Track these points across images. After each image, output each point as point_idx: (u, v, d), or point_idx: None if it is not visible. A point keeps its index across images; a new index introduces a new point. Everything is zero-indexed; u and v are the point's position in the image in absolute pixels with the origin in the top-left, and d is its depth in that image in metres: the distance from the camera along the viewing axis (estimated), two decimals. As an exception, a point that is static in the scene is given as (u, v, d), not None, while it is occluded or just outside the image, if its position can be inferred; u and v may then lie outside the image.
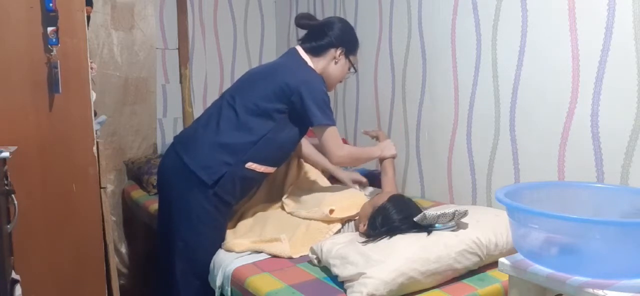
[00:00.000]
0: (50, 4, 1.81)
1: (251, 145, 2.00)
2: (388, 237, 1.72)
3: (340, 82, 2.27)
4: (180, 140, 2.14)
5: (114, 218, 2.94)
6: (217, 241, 2.01)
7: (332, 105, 3.13)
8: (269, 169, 2.10)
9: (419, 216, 1.73)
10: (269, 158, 2.06)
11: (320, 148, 2.18)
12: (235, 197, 2.07)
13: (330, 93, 3.09)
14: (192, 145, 2.05)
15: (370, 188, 2.42)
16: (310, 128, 2.10)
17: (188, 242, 2.00)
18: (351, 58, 2.19)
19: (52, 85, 1.86)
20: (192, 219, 1.99)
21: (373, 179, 2.61)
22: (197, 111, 3.28)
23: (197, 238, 2.00)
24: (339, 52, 2.14)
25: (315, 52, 2.14)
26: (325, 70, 2.14)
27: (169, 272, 2.04)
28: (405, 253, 1.59)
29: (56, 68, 1.84)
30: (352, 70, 2.23)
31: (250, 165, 2.01)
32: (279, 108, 2.02)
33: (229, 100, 2.08)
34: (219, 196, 1.99)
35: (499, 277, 1.64)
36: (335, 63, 2.15)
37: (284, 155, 2.18)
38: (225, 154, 1.99)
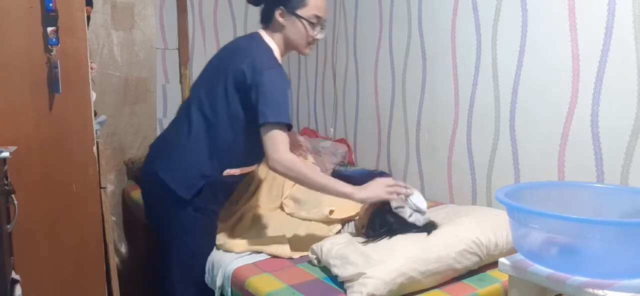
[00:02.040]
0: (50, 4, 1.81)
1: (225, 152, 1.91)
2: (388, 237, 1.72)
3: (310, 44, 1.95)
4: (155, 152, 2.05)
5: (114, 218, 2.94)
6: (210, 245, 2.00)
7: (331, 105, 3.16)
8: (249, 168, 2.04)
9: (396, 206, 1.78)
10: (245, 159, 1.99)
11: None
12: (219, 203, 2.02)
13: (330, 93, 3.12)
14: (166, 157, 1.96)
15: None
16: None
17: (179, 254, 1.96)
18: (300, 12, 1.90)
19: (52, 85, 1.86)
20: (179, 234, 1.94)
21: (372, 179, 2.61)
22: (197, 111, 3.28)
23: (188, 249, 1.95)
24: (279, 13, 1.91)
25: (267, 26, 1.97)
26: (284, 41, 1.95)
27: (166, 279, 2.01)
28: (405, 253, 1.59)
29: (56, 68, 1.84)
30: (316, 28, 1.93)
31: (228, 171, 1.94)
32: (244, 105, 1.88)
33: (197, 102, 1.96)
34: (200, 207, 1.93)
35: (499, 277, 1.64)
36: (285, 27, 1.93)
37: (260, 151, 2.01)
38: (202, 166, 1.90)
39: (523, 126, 2.05)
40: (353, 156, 2.99)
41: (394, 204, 1.77)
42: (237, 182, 2.05)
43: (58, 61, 1.85)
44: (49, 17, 1.82)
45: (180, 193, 1.88)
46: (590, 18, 1.79)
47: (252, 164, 2.06)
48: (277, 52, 1.95)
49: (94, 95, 2.04)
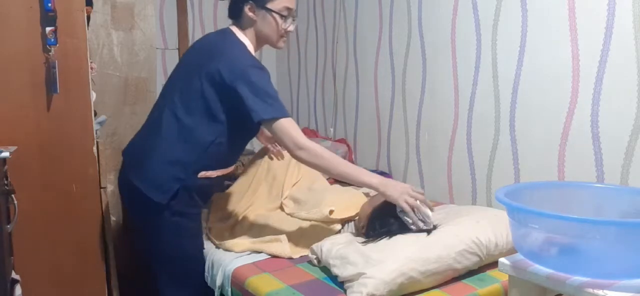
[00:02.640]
0: (49, 4, 1.81)
1: (200, 154, 1.84)
2: (388, 237, 1.72)
3: (282, 37, 1.90)
4: (128, 159, 1.98)
5: (114, 218, 2.94)
6: (197, 246, 1.97)
7: (331, 105, 3.16)
8: (226, 170, 1.97)
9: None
10: (222, 161, 1.92)
11: (280, 145, 1.99)
12: (198, 205, 1.94)
13: (330, 93, 3.11)
14: (139, 162, 1.89)
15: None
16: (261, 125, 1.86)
17: (169, 263, 1.91)
18: (270, 5, 1.85)
19: (50, 85, 1.86)
20: (162, 241, 1.88)
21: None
22: (197, 111, 3.28)
23: (175, 256, 1.90)
24: (248, 7, 1.86)
25: (238, 23, 1.92)
26: (256, 35, 1.90)
27: (159, 281, 1.95)
28: (405, 253, 1.59)
29: (54, 68, 1.84)
30: (288, 20, 1.88)
31: (203, 174, 1.86)
32: (227, 107, 1.81)
33: (170, 105, 1.87)
34: (179, 211, 1.85)
35: (499, 277, 1.64)
36: (256, 21, 1.88)
37: (240, 151, 2.02)
38: (174, 169, 1.83)
39: (523, 126, 2.05)
40: (353, 156, 2.99)
41: (399, 207, 1.76)
42: (213, 184, 1.96)
43: (56, 61, 1.85)
44: (48, 17, 1.82)
45: (156, 199, 1.81)
46: (590, 18, 1.79)
47: (230, 165, 2.00)
48: (250, 47, 1.89)
49: (94, 95, 2.04)
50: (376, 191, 1.81)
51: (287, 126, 1.77)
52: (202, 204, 1.97)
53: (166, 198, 1.82)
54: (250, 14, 1.87)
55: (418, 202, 1.75)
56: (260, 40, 1.92)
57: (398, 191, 1.76)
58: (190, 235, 1.94)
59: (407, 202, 1.74)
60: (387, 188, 1.77)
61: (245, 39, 1.90)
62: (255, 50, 1.93)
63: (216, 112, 1.82)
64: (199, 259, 1.97)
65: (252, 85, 1.76)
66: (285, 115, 1.77)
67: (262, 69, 1.84)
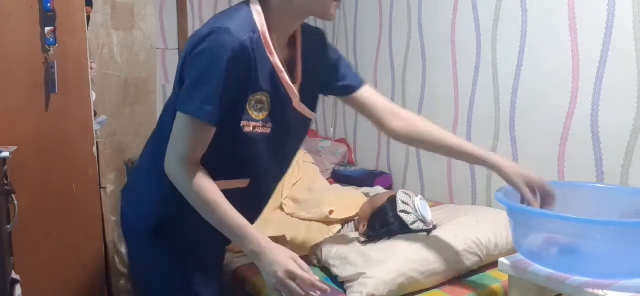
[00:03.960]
0: (48, 4, 1.81)
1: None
2: (387, 237, 1.72)
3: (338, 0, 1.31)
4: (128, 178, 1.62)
5: (113, 218, 2.94)
6: None
7: (331, 105, 3.16)
8: (223, 184, 1.31)
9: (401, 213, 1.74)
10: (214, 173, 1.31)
11: None
12: (192, 242, 1.40)
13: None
14: (132, 179, 1.60)
15: (370, 188, 2.42)
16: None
17: None
18: None
19: (49, 85, 1.86)
20: (150, 291, 1.49)
21: (372, 179, 2.61)
22: (197, 111, 3.28)
23: None
24: None
25: None
26: (286, 10, 1.30)
27: None
28: (405, 253, 1.59)
29: (53, 68, 1.85)
30: None
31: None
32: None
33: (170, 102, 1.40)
34: (166, 247, 1.40)
35: (499, 277, 1.63)
36: None
37: (236, 163, 1.37)
38: (154, 185, 1.39)
39: (523, 126, 2.05)
40: (353, 156, 2.99)
41: (399, 207, 1.76)
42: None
43: (55, 61, 1.85)
44: (47, 17, 1.82)
45: (138, 227, 1.46)
46: (590, 18, 1.78)
47: (228, 179, 1.36)
48: (259, 21, 1.28)
49: (94, 95, 2.04)
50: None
51: (186, 128, 1.25)
52: (202, 241, 1.42)
53: (148, 227, 1.43)
54: None
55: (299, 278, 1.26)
56: (291, 15, 1.32)
57: (272, 267, 1.25)
58: (183, 288, 1.46)
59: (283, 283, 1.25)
60: (261, 259, 1.27)
61: (258, 8, 1.29)
62: (274, 31, 1.30)
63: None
64: None
65: (192, 63, 1.25)
66: (197, 115, 1.22)
67: (222, 44, 1.20)
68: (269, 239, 1.29)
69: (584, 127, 1.83)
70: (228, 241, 1.47)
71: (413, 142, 1.64)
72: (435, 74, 2.42)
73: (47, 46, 1.84)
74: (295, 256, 1.29)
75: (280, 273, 1.24)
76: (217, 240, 1.38)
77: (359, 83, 1.56)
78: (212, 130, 1.27)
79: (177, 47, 3.21)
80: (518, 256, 1.38)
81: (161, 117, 1.44)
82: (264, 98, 1.31)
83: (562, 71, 1.88)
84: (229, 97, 1.24)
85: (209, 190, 1.26)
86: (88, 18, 2.00)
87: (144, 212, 1.45)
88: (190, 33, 3.22)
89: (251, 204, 1.45)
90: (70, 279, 1.97)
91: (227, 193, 1.29)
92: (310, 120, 1.48)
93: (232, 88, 1.24)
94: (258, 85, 1.29)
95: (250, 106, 1.30)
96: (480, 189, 2.25)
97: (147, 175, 1.45)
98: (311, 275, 1.27)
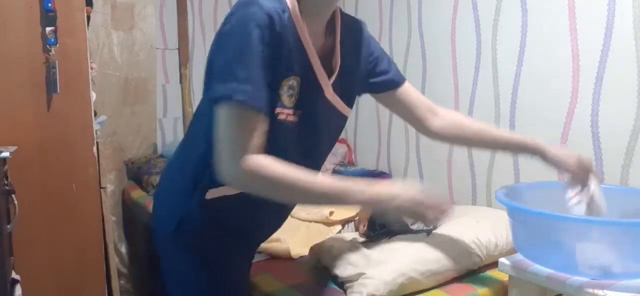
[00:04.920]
0: (49, 4, 1.81)
1: (201, 161, 1.24)
2: (388, 237, 1.72)
3: None
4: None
5: (114, 218, 2.94)
6: None
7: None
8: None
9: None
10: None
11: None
12: (217, 248, 1.32)
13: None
14: (163, 176, 1.46)
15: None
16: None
17: None
18: None
19: (50, 85, 1.86)
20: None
21: (372, 179, 2.61)
22: (197, 111, 3.28)
23: None
24: None
25: None
26: None
27: None
28: (405, 253, 1.59)
29: (54, 68, 1.85)
30: None
31: (212, 193, 1.25)
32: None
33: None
34: (190, 250, 1.31)
35: (499, 277, 1.63)
36: None
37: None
38: (179, 183, 1.32)
39: (523, 126, 2.05)
40: (353, 156, 2.99)
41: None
42: (234, 215, 1.30)
43: (56, 61, 1.85)
44: (48, 17, 1.82)
45: (161, 228, 1.36)
46: (590, 18, 1.79)
47: None
48: (290, 1, 1.18)
49: (94, 95, 2.04)
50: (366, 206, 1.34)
51: (234, 119, 1.10)
52: (228, 247, 1.36)
53: (171, 227, 1.34)
54: None
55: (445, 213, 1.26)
56: None
57: (396, 202, 1.19)
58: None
59: (430, 212, 1.23)
60: (394, 202, 1.19)
61: None
62: (307, 13, 1.20)
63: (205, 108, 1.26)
64: None
65: (217, 52, 1.17)
66: (241, 100, 1.08)
67: (247, 24, 1.11)
68: (371, 181, 1.19)
69: (584, 127, 1.83)
70: (252, 254, 1.42)
71: (455, 140, 1.54)
72: (435, 74, 2.42)
73: (48, 46, 1.84)
74: (412, 183, 1.22)
75: (407, 205, 1.19)
76: (244, 251, 1.35)
77: (402, 80, 1.47)
78: (260, 116, 1.10)
79: (177, 47, 3.20)
80: (518, 256, 1.38)
81: (193, 120, 1.36)
82: (295, 84, 1.19)
83: (562, 71, 1.88)
84: (265, 78, 1.10)
85: (285, 174, 1.11)
86: (88, 18, 2.00)
87: (171, 211, 1.33)
88: (190, 33, 3.23)
89: (281, 209, 1.38)
90: (70, 279, 1.97)
91: (248, 198, 1.16)
92: (345, 118, 1.35)
93: (268, 67, 1.11)
94: (291, 67, 1.17)
95: (283, 91, 1.17)
96: (480, 189, 2.25)
97: (178, 173, 1.34)
98: (435, 198, 1.22)
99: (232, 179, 1.12)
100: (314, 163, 1.33)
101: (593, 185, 1.38)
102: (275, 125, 1.17)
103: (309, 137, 1.27)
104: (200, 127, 1.26)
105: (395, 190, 1.19)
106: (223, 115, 1.09)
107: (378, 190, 1.18)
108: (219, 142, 1.11)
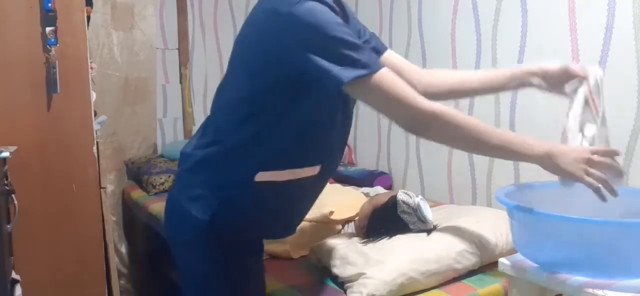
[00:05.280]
0: (49, 4, 1.81)
1: (254, 144, 1.27)
2: (388, 237, 1.72)
3: None
4: (178, 162, 1.45)
5: (114, 218, 2.94)
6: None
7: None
8: (297, 172, 1.32)
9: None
10: (285, 155, 1.30)
11: (382, 111, 1.31)
12: (260, 231, 1.38)
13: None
14: (184, 164, 1.39)
15: (370, 188, 2.42)
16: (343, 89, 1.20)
17: None
18: None
19: (50, 85, 1.86)
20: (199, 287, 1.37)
21: (372, 179, 2.61)
22: (197, 111, 3.28)
23: None
24: None
25: None
26: None
27: None
28: (405, 253, 1.59)
29: (54, 68, 1.85)
30: None
31: (261, 176, 1.28)
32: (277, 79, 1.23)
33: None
34: (222, 239, 1.30)
35: (499, 277, 1.63)
36: None
37: (315, 144, 1.34)
38: (219, 169, 1.31)
39: (523, 126, 2.05)
40: (353, 156, 2.99)
41: (400, 207, 1.76)
42: (276, 197, 1.33)
43: (56, 61, 1.85)
44: (48, 17, 1.82)
45: (193, 211, 1.31)
46: (590, 18, 1.78)
47: (297, 166, 1.33)
48: None
49: (94, 95, 2.04)
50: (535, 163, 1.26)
51: (387, 79, 1.20)
52: (263, 233, 1.44)
53: (207, 213, 1.33)
54: None
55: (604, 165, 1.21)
56: None
57: (569, 161, 1.21)
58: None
59: (590, 177, 1.20)
60: (556, 159, 1.22)
61: None
62: None
63: (273, 86, 1.26)
64: None
65: (312, 40, 1.18)
66: (376, 67, 1.19)
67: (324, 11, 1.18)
68: (539, 140, 1.24)
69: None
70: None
71: (449, 94, 1.53)
72: (435, 74, 2.42)
73: (48, 46, 1.84)
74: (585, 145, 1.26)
75: (582, 164, 1.20)
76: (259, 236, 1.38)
77: (384, 48, 1.53)
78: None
79: (177, 47, 3.21)
80: (518, 256, 1.38)
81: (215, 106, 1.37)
82: None
83: (562, 71, 1.88)
84: None
85: (465, 118, 1.22)
86: (88, 18, 2.00)
87: (205, 204, 1.31)
88: (190, 33, 3.23)
89: (311, 197, 1.44)
90: (70, 279, 1.97)
91: (292, 184, 1.28)
92: (354, 100, 1.42)
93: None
94: None
95: None
96: (480, 189, 2.25)
97: (215, 164, 1.32)
98: (608, 158, 1.20)
99: (422, 124, 1.21)
100: (343, 148, 1.46)
101: (581, 91, 1.27)
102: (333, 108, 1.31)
103: (343, 119, 1.38)
104: (245, 113, 1.27)
105: (565, 147, 1.24)
106: (374, 85, 1.18)
107: (549, 146, 1.22)
108: (389, 107, 1.22)
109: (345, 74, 1.15)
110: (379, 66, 1.18)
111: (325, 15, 1.16)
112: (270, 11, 1.19)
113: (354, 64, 1.16)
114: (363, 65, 1.16)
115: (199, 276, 1.36)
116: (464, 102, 2.27)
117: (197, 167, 1.33)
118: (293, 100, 1.24)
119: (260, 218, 1.34)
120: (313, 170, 1.34)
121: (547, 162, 1.23)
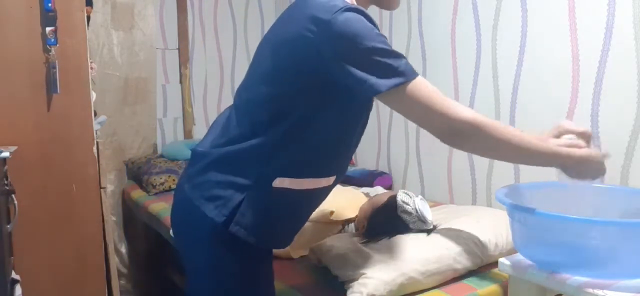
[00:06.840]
0: (49, 4, 1.81)
1: (277, 148, 1.26)
2: (388, 237, 1.72)
3: None
4: (189, 160, 1.43)
5: (114, 218, 2.94)
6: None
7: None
8: (314, 182, 1.33)
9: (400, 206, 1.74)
10: (307, 163, 1.30)
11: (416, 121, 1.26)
12: (268, 239, 1.34)
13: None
14: (198, 163, 1.35)
15: (371, 188, 2.42)
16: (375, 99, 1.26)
17: None
18: None
19: (50, 85, 1.86)
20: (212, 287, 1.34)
21: (372, 179, 2.61)
22: (197, 111, 3.29)
23: None
24: None
25: None
26: None
27: None
28: (405, 253, 1.59)
29: (54, 68, 1.85)
30: None
31: (279, 181, 1.27)
32: (305, 85, 1.23)
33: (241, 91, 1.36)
34: (238, 242, 1.28)
35: (499, 277, 1.63)
36: None
37: (336, 155, 1.37)
38: (237, 169, 1.28)
39: (523, 126, 2.05)
40: (353, 156, 2.99)
41: (399, 207, 1.76)
42: (292, 204, 1.34)
43: (56, 61, 1.85)
44: (48, 17, 1.82)
45: (208, 213, 1.28)
46: (590, 17, 1.79)
47: (320, 176, 1.34)
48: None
49: (94, 95, 2.04)
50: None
51: (423, 87, 1.19)
52: (278, 239, 1.44)
53: (223, 214, 1.31)
54: None
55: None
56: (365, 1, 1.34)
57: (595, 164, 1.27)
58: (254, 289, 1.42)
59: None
60: (581, 164, 1.27)
61: None
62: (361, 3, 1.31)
63: (296, 93, 1.26)
64: None
65: (351, 48, 1.18)
66: (414, 74, 1.19)
67: (361, 18, 1.18)
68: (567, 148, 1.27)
69: (584, 126, 1.83)
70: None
71: None
72: (435, 74, 2.42)
73: (48, 46, 1.84)
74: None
75: (598, 164, 1.27)
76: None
77: None
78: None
79: (177, 47, 3.21)
80: (518, 256, 1.38)
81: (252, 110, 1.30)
82: None
83: (562, 71, 1.88)
84: None
85: (505, 128, 1.21)
86: (88, 18, 2.00)
87: (219, 196, 1.29)
88: (190, 33, 3.23)
89: (315, 207, 1.44)
90: (70, 279, 1.97)
91: (306, 193, 1.28)
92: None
93: None
94: None
95: None
96: (480, 189, 2.25)
97: (232, 167, 1.29)
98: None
99: (461, 135, 1.18)
100: (350, 157, 1.49)
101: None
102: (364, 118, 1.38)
103: (360, 128, 1.41)
104: (273, 113, 1.25)
105: (590, 152, 1.27)
106: (411, 94, 1.17)
107: (580, 154, 1.26)
108: (426, 117, 1.19)
109: (382, 82, 1.15)
110: (416, 74, 1.18)
111: (363, 23, 1.16)
112: (310, 17, 1.18)
113: (391, 72, 1.16)
114: (400, 73, 1.16)
115: (208, 278, 1.34)
116: (465, 103, 2.27)
117: (214, 166, 1.30)
118: (320, 108, 1.24)
119: (270, 224, 1.32)
120: (328, 181, 1.35)
121: (573, 166, 1.27)
